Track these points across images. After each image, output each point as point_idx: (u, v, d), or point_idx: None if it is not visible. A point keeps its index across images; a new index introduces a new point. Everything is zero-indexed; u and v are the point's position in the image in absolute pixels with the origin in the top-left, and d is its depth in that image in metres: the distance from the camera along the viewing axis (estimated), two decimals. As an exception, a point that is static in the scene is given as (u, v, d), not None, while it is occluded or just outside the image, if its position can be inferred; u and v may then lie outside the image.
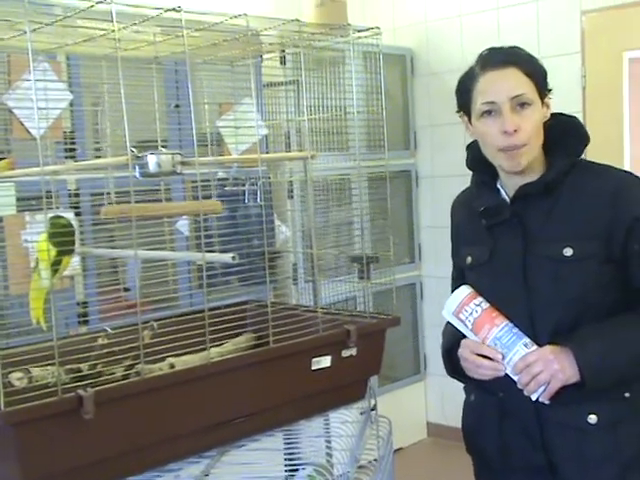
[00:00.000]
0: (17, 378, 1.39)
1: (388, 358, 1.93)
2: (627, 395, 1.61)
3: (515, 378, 1.56)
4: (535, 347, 1.56)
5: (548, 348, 1.55)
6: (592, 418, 1.58)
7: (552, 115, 1.68)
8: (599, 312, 1.59)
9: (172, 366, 1.64)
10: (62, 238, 1.61)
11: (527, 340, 1.57)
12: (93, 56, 1.82)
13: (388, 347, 1.90)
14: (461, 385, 1.83)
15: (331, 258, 3.24)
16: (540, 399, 1.56)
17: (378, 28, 1.70)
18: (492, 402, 1.71)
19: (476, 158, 1.73)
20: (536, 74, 1.62)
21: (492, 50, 1.66)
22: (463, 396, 1.84)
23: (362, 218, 2.17)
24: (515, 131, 1.59)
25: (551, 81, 1.66)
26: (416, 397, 4.62)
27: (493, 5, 4.08)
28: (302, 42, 1.68)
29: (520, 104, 1.60)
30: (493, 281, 1.64)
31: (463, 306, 1.62)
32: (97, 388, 1.34)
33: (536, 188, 1.64)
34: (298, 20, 1.64)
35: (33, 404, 1.27)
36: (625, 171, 1.69)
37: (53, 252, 1.61)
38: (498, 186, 1.72)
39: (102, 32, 1.46)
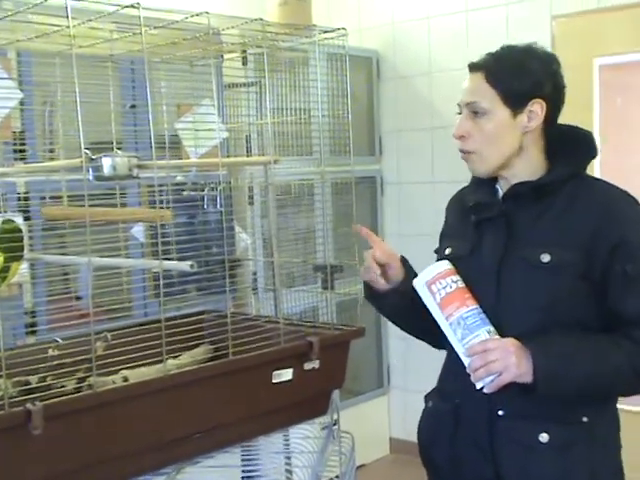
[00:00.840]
0: (-39, 391, 1.37)
1: (350, 370, 1.93)
2: (585, 420, 1.62)
3: (466, 362, 1.57)
4: (498, 337, 1.58)
5: (510, 340, 1.56)
6: (544, 436, 1.60)
7: (569, 126, 1.72)
8: (568, 327, 1.60)
9: (126, 379, 1.63)
10: (10, 244, 1.59)
11: (492, 328, 1.59)
12: (46, 53, 1.80)
13: (350, 359, 1.91)
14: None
15: (293, 267, 3.24)
16: (485, 389, 1.56)
17: (344, 29, 1.71)
18: (447, 410, 1.73)
19: None
20: (503, 82, 1.64)
21: (492, 51, 1.70)
22: (425, 409, 1.86)
23: (325, 225, 2.18)
24: (462, 137, 1.66)
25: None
26: (379, 411, 4.63)
27: (462, 7, 4.12)
28: (265, 42, 1.68)
29: (474, 112, 1.65)
30: (467, 276, 1.66)
31: (439, 278, 1.63)
32: (46, 402, 1.33)
33: (525, 189, 1.67)
34: (261, 19, 1.65)
35: (-22, 418, 1.25)
36: (622, 190, 1.70)
37: (0, 258, 1.59)
38: (497, 187, 1.75)
39: (57, 28, 1.44)
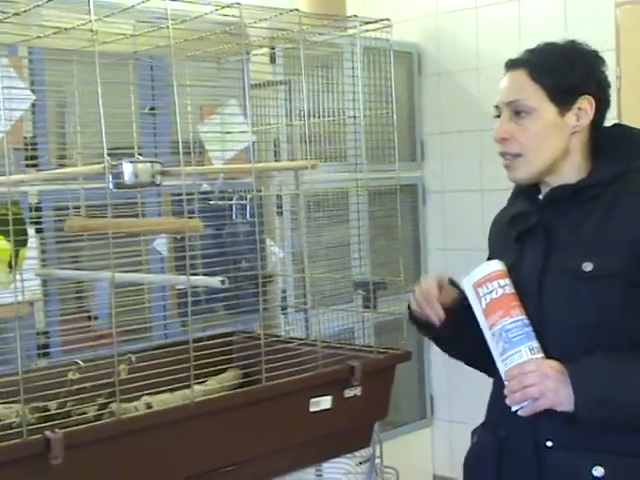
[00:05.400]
0: (-23, 417, 1.40)
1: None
2: None
3: (505, 383, 1.58)
4: (541, 355, 1.58)
5: (549, 363, 1.56)
6: (598, 470, 1.58)
7: (616, 125, 1.73)
8: (618, 342, 1.60)
9: (149, 406, 1.65)
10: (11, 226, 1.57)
11: (535, 344, 1.58)
12: (63, 51, 1.84)
13: (390, 386, 1.91)
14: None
15: (326, 284, 3.25)
16: (519, 412, 1.57)
17: (388, 20, 1.72)
18: (492, 442, 1.73)
19: None
20: (550, 77, 1.65)
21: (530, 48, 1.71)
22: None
23: (363, 238, 2.19)
24: (505, 139, 1.66)
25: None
26: (421, 445, 4.62)
27: (513, -4, 4.13)
28: (301, 35, 1.70)
29: (516, 111, 1.66)
30: None
31: (487, 281, 1.62)
32: (67, 430, 1.35)
33: (565, 193, 1.68)
34: (298, 10, 1.66)
35: (-5, 447, 1.27)
36: None
37: (6, 246, 1.60)
38: (540, 196, 1.76)
39: (77, 23, 1.48)
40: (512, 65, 1.69)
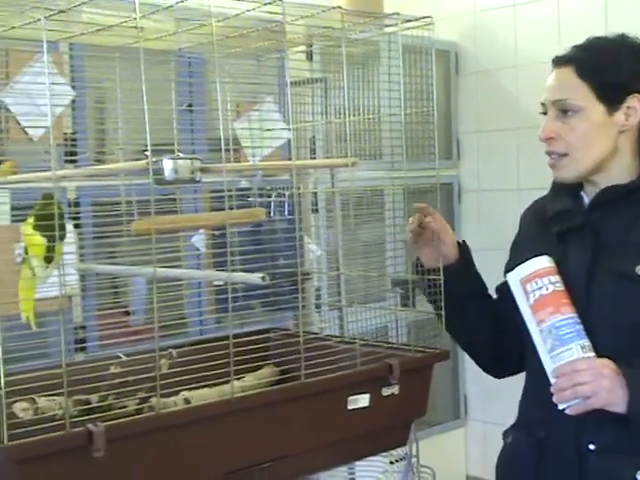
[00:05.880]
0: (22, 409, 1.42)
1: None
2: None
3: (552, 380, 1.57)
4: (592, 354, 1.57)
5: (604, 362, 1.55)
6: None
7: None
8: None
9: (188, 401, 1.66)
10: (50, 221, 1.59)
11: (587, 343, 1.57)
12: (104, 47, 1.86)
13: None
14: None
15: (361, 282, 3.26)
16: (567, 411, 1.55)
17: (430, 17, 1.73)
18: (530, 444, 1.72)
19: None
20: (598, 75, 1.64)
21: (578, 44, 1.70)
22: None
23: (397, 236, 2.19)
24: (551, 138, 1.65)
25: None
26: (454, 446, 4.61)
27: (552, -7, 4.11)
28: (343, 33, 1.71)
29: (563, 110, 1.65)
30: None
31: (536, 277, 1.61)
32: (108, 423, 1.37)
33: (616, 194, 1.67)
34: (340, 7, 1.67)
35: (39, 438, 1.29)
36: None
37: (42, 240, 1.62)
38: (582, 194, 1.75)
39: (120, 21, 1.50)
40: (559, 62, 1.68)
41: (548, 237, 1.75)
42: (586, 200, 1.74)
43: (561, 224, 1.73)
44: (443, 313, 1.80)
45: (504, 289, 1.79)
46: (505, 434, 1.84)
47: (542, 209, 1.82)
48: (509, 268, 1.75)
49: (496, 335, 1.86)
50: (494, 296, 1.92)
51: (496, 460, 1.85)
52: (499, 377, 1.96)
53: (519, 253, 1.82)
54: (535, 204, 1.90)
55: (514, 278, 1.65)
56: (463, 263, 1.82)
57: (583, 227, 1.69)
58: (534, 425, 1.72)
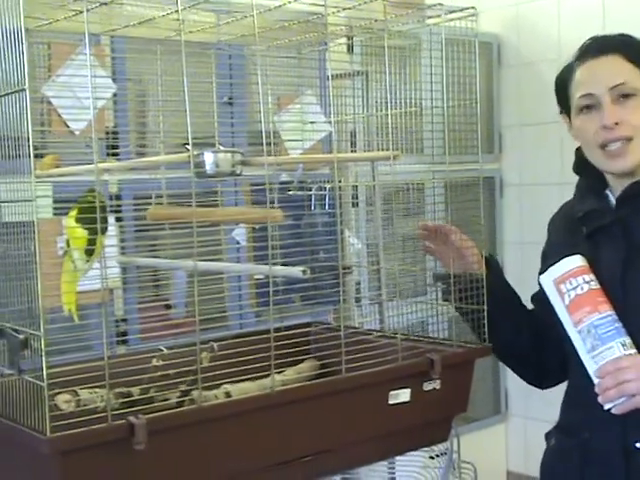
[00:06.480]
0: (64, 401, 1.44)
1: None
2: None
3: (595, 380, 1.55)
4: (634, 351, 1.55)
5: None
6: None
7: None
8: None
9: (228, 394, 1.67)
10: (92, 214, 1.61)
11: (628, 340, 1.56)
12: (145, 40, 1.87)
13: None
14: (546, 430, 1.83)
15: (402, 276, 3.25)
16: (613, 410, 1.53)
17: (474, 8, 1.71)
18: (574, 445, 1.71)
19: (583, 162, 1.76)
20: None
21: (593, 39, 1.70)
22: (547, 443, 1.85)
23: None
24: (616, 124, 1.62)
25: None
26: (495, 441, 4.59)
27: (597, -16, 4.06)
28: (385, 25, 1.70)
29: (623, 95, 1.63)
30: None
31: (570, 277, 1.60)
32: (150, 415, 1.37)
33: None
34: (383, -1, 1.66)
35: (82, 430, 1.30)
36: None
37: (84, 233, 1.63)
38: (607, 192, 1.73)
39: (162, 13, 1.50)
40: (603, 51, 1.67)
41: (578, 240, 1.73)
42: (612, 198, 1.72)
43: (590, 224, 1.71)
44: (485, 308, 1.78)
45: (539, 298, 1.78)
46: (547, 436, 1.83)
47: (570, 212, 1.81)
48: (541, 273, 1.74)
49: (537, 348, 1.84)
50: (529, 306, 1.90)
51: (540, 463, 1.84)
52: (543, 388, 1.94)
53: (551, 259, 1.81)
54: (562, 208, 1.89)
55: (547, 280, 1.63)
56: (492, 282, 1.79)
57: (612, 225, 1.67)
58: (577, 427, 1.71)
